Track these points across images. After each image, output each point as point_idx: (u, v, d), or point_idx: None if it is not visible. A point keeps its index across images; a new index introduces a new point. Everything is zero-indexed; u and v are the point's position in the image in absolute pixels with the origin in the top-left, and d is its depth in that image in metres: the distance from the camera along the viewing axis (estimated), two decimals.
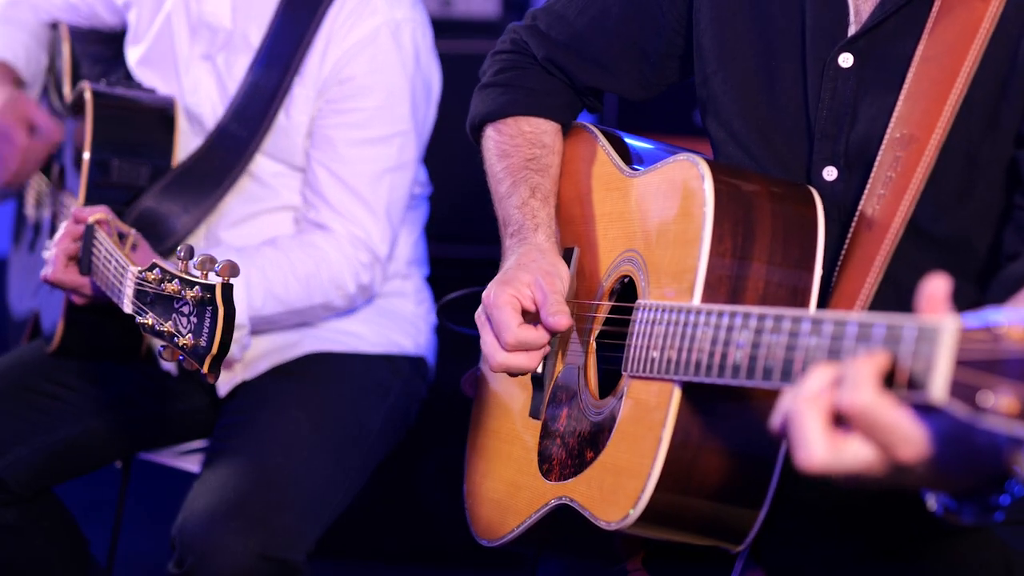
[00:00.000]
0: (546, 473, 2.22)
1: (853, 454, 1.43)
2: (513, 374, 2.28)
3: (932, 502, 1.50)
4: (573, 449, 2.15)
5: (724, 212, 1.95)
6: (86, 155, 3.04)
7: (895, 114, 1.99)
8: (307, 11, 3.05)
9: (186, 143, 3.14)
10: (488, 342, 2.19)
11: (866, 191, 2.01)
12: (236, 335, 2.24)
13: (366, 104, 3.05)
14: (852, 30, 2.07)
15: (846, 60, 2.05)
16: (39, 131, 3.26)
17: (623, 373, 2.05)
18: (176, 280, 2.29)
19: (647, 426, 1.95)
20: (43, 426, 2.97)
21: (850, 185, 2.05)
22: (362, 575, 4.39)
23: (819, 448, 1.44)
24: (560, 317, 2.14)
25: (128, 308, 2.44)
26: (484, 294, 2.22)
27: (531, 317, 2.19)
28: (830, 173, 2.06)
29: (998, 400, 1.26)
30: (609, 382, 2.16)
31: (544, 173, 2.39)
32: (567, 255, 2.32)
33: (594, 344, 2.20)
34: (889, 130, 2.00)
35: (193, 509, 2.80)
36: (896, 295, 1.95)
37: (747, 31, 2.18)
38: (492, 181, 2.44)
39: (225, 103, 3.10)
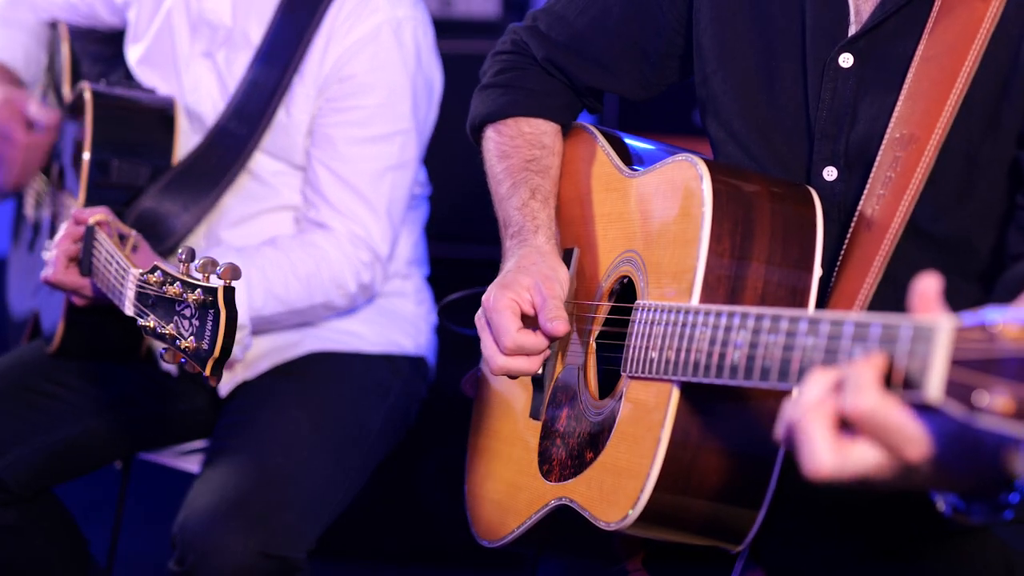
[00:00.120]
0: (546, 474, 2.22)
1: (861, 458, 1.43)
2: (513, 377, 2.28)
3: (940, 503, 1.50)
4: (573, 450, 2.15)
5: (723, 212, 1.95)
6: (86, 155, 3.04)
7: (895, 114, 1.99)
8: (308, 8, 3.05)
9: (186, 142, 3.13)
10: (488, 345, 2.20)
11: (866, 191, 2.01)
12: (237, 336, 2.24)
13: (367, 102, 3.05)
14: (852, 30, 2.07)
15: (846, 60, 2.05)
16: (37, 124, 3.26)
17: (622, 373, 2.05)
18: (178, 283, 2.28)
19: (646, 426, 1.95)
20: (43, 426, 2.97)
21: (850, 185, 2.05)
22: (362, 575, 4.39)
23: (826, 456, 1.43)
24: (558, 323, 2.14)
25: (129, 310, 2.44)
26: (484, 297, 2.22)
27: (530, 321, 2.19)
28: (830, 173, 2.06)
29: (993, 400, 1.26)
30: (609, 382, 2.16)
31: (544, 174, 2.39)
32: (567, 256, 2.32)
33: (594, 345, 2.20)
34: (889, 130, 2.00)
35: (194, 508, 2.80)
36: (895, 295, 1.94)
37: (747, 31, 2.18)
38: (492, 182, 2.44)
39: (225, 101, 3.10)
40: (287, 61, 3.03)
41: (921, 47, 1.99)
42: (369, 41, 3.03)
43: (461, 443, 2.59)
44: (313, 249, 3.02)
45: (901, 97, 1.99)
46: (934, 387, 1.33)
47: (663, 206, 2.08)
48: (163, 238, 3.02)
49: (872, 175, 2.00)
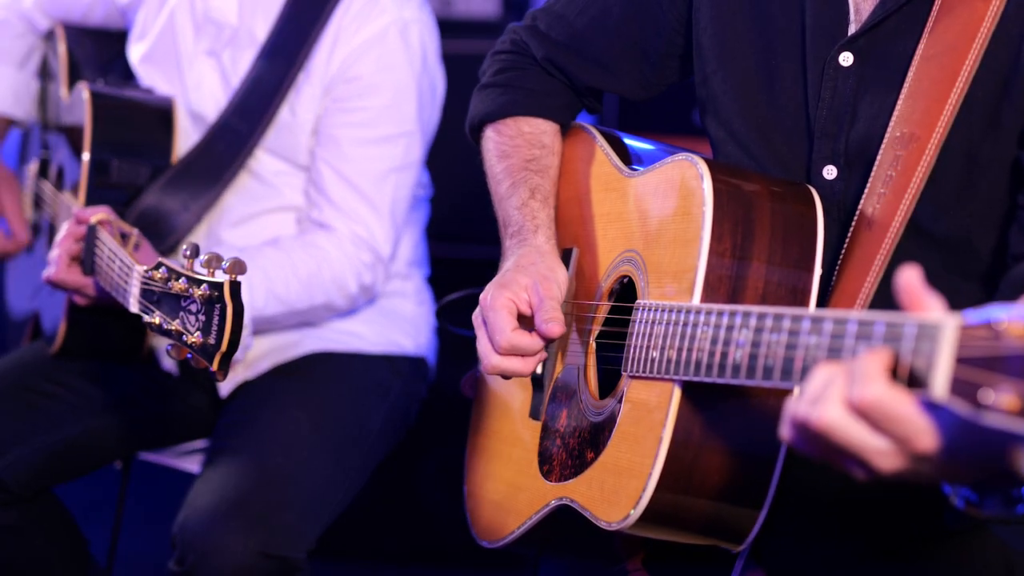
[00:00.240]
0: (546, 474, 2.22)
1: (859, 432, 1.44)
2: (507, 377, 2.28)
3: (953, 497, 1.50)
4: (573, 450, 2.15)
5: (723, 212, 1.95)
6: (86, 155, 3.04)
7: (895, 113, 1.99)
8: (314, 8, 3.05)
9: (188, 141, 3.13)
10: (483, 344, 2.20)
11: (866, 190, 2.01)
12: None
13: (373, 103, 3.05)
14: (852, 29, 2.07)
15: (846, 59, 2.05)
16: (11, 236, 3.32)
17: (623, 373, 2.05)
18: (183, 278, 2.28)
19: (647, 426, 1.95)
20: (43, 426, 2.97)
21: (850, 184, 2.05)
22: (362, 575, 4.39)
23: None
24: (553, 325, 2.14)
25: (134, 307, 2.44)
26: (481, 296, 2.22)
27: (527, 321, 2.19)
28: (830, 172, 2.06)
29: (999, 397, 1.26)
30: (609, 382, 2.16)
31: (544, 174, 2.38)
32: (566, 256, 2.32)
33: (594, 344, 2.20)
34: (889, 129, 2.00)
35: (194, 507, 2.80)
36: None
37: (747, 30, 2.18)
38: (492, 182, 2.44)
39: (228, 99, 3.10)
40: (291, 59, 3.03)
41: (921, 46, 1.99)
42: (376, 42, 3.03)
43: (461, 443, 2.59)
44: (315, 250, 3.02)
45: (901, 96, 1.99)
46: (939, 385, 1.33)
47: (663, 205, 2.08)
48: (164, 236, 3.02)
49: (873, 174, 2.00)
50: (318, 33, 3.04)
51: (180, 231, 3.05)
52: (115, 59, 3.34)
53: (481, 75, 2.52)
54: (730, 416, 1.92)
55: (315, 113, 3.06)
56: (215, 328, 2.22)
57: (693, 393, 1.90)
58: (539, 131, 2.43)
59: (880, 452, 1.44)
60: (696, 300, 1.92)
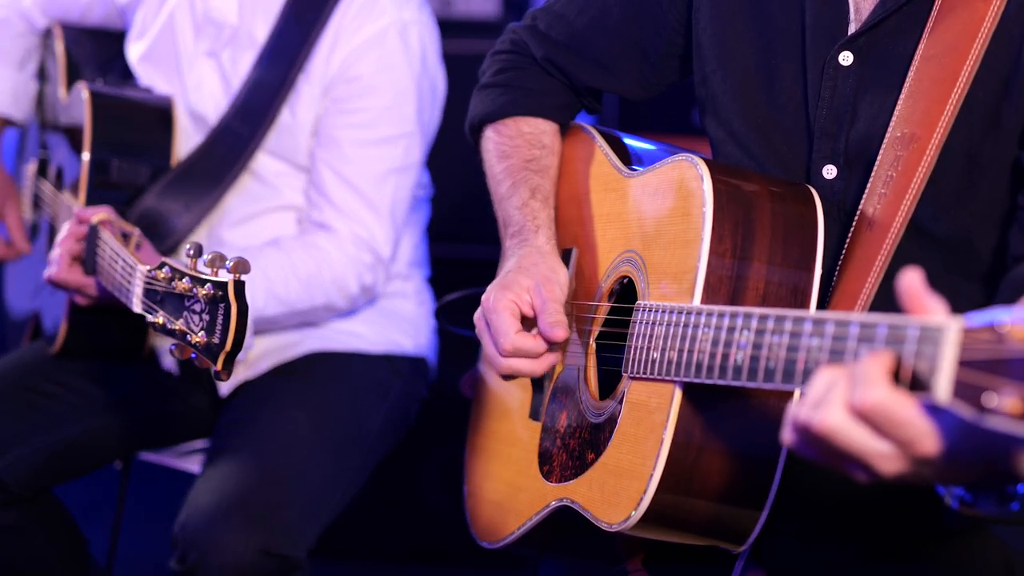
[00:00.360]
0: (546, 474, 2.22)
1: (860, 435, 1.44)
2: (512, 377, 2.28)
3: (948, 498, 1.50)
4: (573, 450, 2.15)
5: (724, 212, 1.95)
6: (86, 155, 3.04)
7: (896, 113, 1.99)
8: (314, 9, 3.04)
9: (188, 141, 3.13)
10: (488, 347, 2.19)
11: (867, 190, 2.01)
12: None
13: (373, 104, 3.05)
14: (852, 28, 2.07)
15: (846, 58, 2.05)
16: (11, 243, 3.32)
17: (623, 374, 2.05)
18: (187, 278, 2.28)
19: (648, 427, 1.95)
20: (43, 426, 2.97)
21: (850, 184, 2.05)
22: (362, 575, 4.39)
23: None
24: (558, 329, 2.14)
25: (138, 307, 2.44)
26: (483, 297, 2.21)
27: (529, 323, 2.18)
28: (829, 171, 2.06)
29: (1002, 401, 1.26)
30: (609, 383, 2.16)
31: (544, 174, 2.38)
32: (565, 256, 2.32)
33: (594, 345, 2.20)
34: (890, 129, 2.00)
35: (195, 506, 2.80)
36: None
37: (747, 30, 2.18)
38: (492, 182, 2.44)
39: (228, 100, 3.10)
40: (292, 61, 3.03)
41: (922, 46, 1.99)
42: (376, 43, 3.03)
43: (461, 443, 2.59)
44: (315, 250, 3.02)
45: (902, 96, 1.99)
46: (942, 388, 1.33)
47: (663, 206, 2.08)
48: (164, 237, 3.02)
49: (873, 174, 2.00)
50: (318, 34, 3.04)
51: (181, 232, 3.05)
52: (114, 59, 3.34)
53: (481, 75, 2.52)
54: (731, 417, 1.92)
55: (315, 114, 3.06)
56: (219, 327, 2.22)
57: (694, 394, 1.90)
58: (539, 131, 2.43)
59: (882, 456, 1.44)
60: (697, 301, 1.92)
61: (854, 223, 2.01)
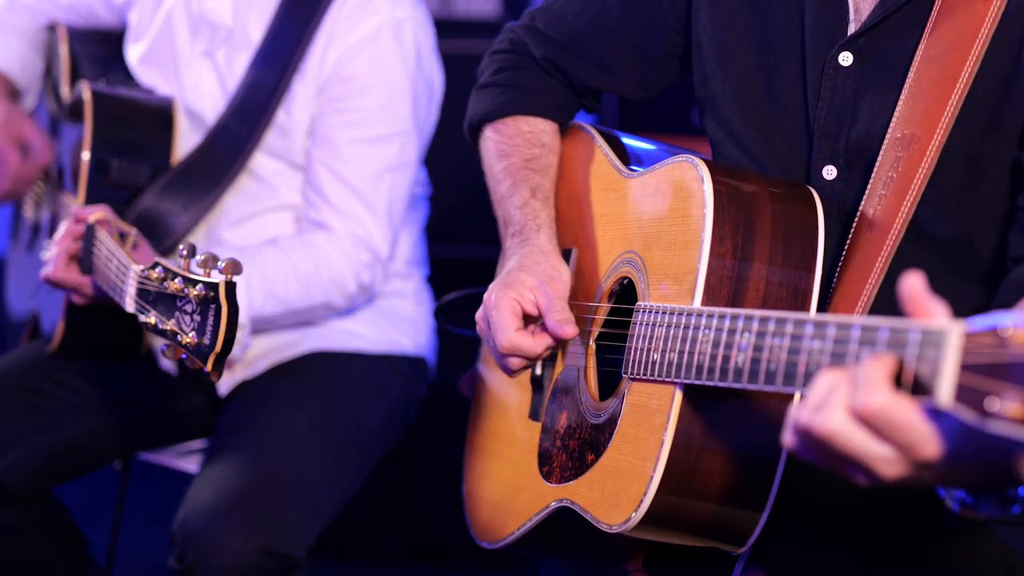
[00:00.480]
0: (546, 475, 2.22)
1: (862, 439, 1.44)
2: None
3: (949, 501, 1.50)
4: (573, 451, 2.15)
5: (724, 213, 1.95)
6: (86, 155, 3.04)
7: (896, 114, 1.99)
8: (308, 8, 3.04)
9: (186, 141, 3.13)
10: (489, 344, 2.20)
11: (867, 191, 2.01)
12: (237, 335, 2.24)
13: (367, 103, 3.05)
14: (852, 29, 2.07)
15: (846, 59, 2.05)
16: (32, 151, 3.28)
17: (623, 375, 2.04)
18: (179, 278, 2.28)
19: (648, 429, 1.95)
20: (43, 426, 2.97)
21: (850, 184, 2.05)
22: (362, 575, 4.39)
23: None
24: (567, 326, 2.14)
25: (130, 307, 2.44)
26: (485, 296, 2.21)
27: (531, 321, 2.18)
28: (829, 172, 2.06)
29: (1004, 405, 1.26)
30: (609, 384, 2.16)
31: (544, 173, 2.38)
32: (565, 256, 2.32)
33: (594, 346, 2.20)
34: (890, 130, 1.99)
35: (194, 505, 2.80)
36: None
37: (746, 30, 2.17)
38: (491, 181, 2.43)
39: (225, 100, 3.10)
40: (287, 61, 3.03)
41: (922, 47, 1.99)
42: (369, 42, 3.03)
43: (461, 443, 2.59)
44: (313, 249, 3.02)
45: (902, 97, 1.99)
46: (944, 392, 1.33)
47: (663, 207, 2.08)
48: (162, 237, 3.02)
49: (874, 175, 2.00)
50: (312, 34, 3.04)
51: (179, 232, 3.04)
52: (116, 58, 3.34)
53: (479, 75, 2.52)
54: (732, 419, 1.92)
55: (310, 113, 3.06)
56: (210, 328, 2.22)
57: (694, 396, 1.89)
58: (538, 130, 2.43)
59: (883, 459, 1.43)
60: (697, 302, 1.91)
61: (854, 224, 2.01)
